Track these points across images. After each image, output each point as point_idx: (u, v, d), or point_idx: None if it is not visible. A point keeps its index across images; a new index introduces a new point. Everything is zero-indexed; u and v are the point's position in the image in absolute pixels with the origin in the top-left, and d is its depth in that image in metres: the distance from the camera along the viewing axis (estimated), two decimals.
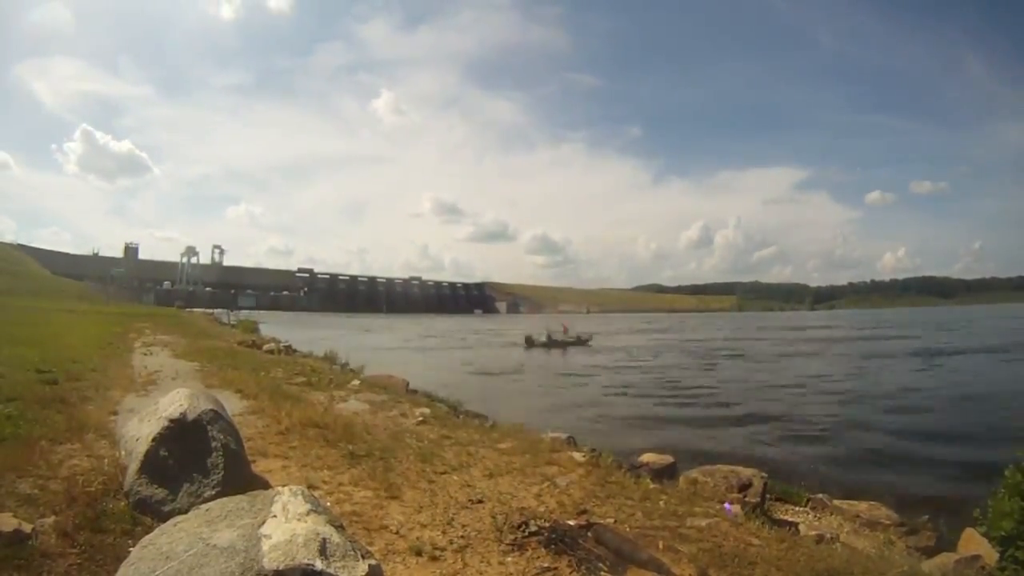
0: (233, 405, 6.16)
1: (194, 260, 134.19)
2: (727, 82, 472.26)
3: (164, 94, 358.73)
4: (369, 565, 2.03)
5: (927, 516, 6.46)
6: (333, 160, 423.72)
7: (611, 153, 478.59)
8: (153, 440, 3.43)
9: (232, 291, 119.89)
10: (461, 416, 9.15)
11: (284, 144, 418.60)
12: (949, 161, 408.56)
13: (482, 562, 3.12)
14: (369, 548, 2.56)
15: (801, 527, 5.53)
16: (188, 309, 59.34)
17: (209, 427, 3.57)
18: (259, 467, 4.37)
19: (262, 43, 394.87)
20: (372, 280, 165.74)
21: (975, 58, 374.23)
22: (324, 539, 2.04)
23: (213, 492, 3.24)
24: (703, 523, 4.20)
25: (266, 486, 3.23)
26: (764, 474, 6.22)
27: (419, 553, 3.18)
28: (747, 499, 5.55)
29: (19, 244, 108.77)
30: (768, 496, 6.09)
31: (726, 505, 5.27)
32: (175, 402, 3.68)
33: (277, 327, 34.90)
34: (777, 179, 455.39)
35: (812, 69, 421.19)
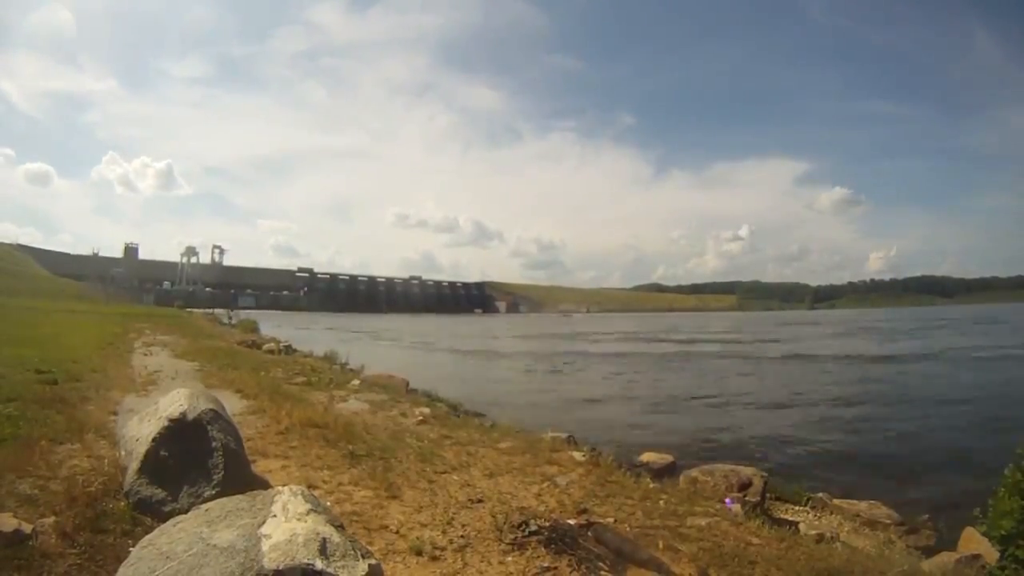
0: (233, 405, 6.17)
1: (194, 260, 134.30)
2: (717, 64, 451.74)
3: (128, 88, 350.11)
4: (369, 565, 2.03)
5: (927, 515, 6.46)
6: (311, 155, 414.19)
7: (605, 143, 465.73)
8: (153, 440, 3.43)
9: (232, 291, 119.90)
10: (461, 415, 9.15)
11: (258, 138, 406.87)
12: (954, 152, 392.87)
13: (482, 561, 3.12)
14: (369, 548, 2.55)
15: (801, 526, 5.53)
16: (188, 309, 59.31)
17: (209, 427, 3.57)
18: (259, 467, 4.37)
19: (216, 29, 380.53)
20: (372, 280, 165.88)
21: (984, 35, 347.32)
22: (324, 539, 2.04)
23: (213, 492, 3.23)
24: (703, 522, 4.20)
25: (266, 486, 3.23)
26: (764, 473, 6.23)
27: (419, 553, 3.18)
28: (747, 498, 5.55)
29: (19, 244, 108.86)
30: (768, 495, 6.09)
31: (727, 500, 5.29)
32: (175, 402, 3.68)
33: (277, 327, 34.87)
34: (776, 173, 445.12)
35: (807, 50, 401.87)
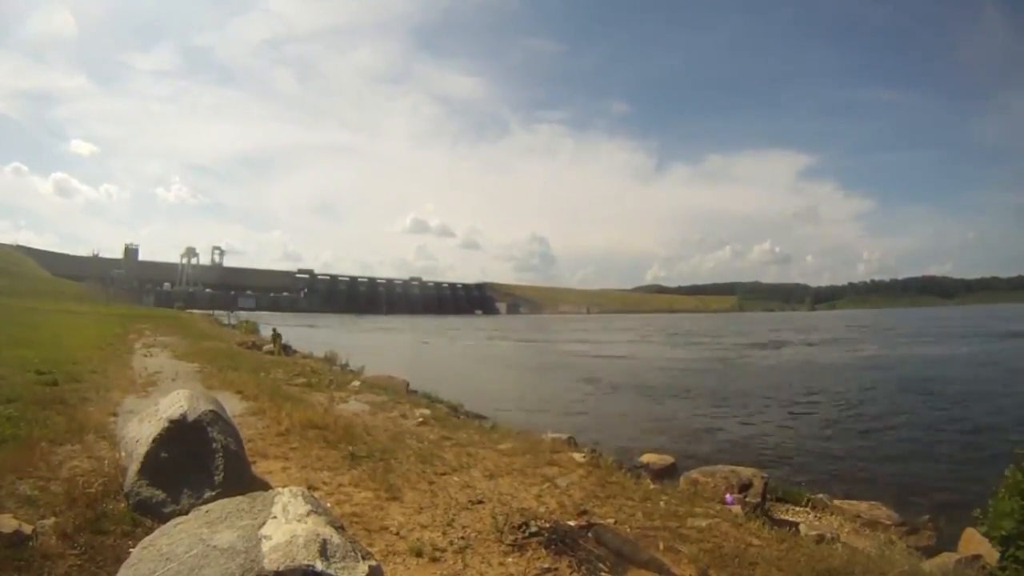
0: (233, 406, 6.17)
1: (194, 261, 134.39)
2: (709, 47, 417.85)
3: (97, 84, 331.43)
4: (369, 566, 2.03)
5: (927, 516, 6.46)
6: (294, 151, 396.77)
7: (598, 135, 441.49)
8: (153, 441, 3.43)
9: (232, 292, 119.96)
10: (461, 417, 9.15)
11: (237, 134, 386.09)
12: (957, 144, 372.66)
13: (483, 563, 3.12)
14: (369, 549, 2.56)
15: (802, 527, 5.52)
16: (188, 310, 59.38)
17: (209, 428, 3.57)
18: (259, 468, 4.37)
19: (173, 19, 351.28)
20: (372, 281, 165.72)
21: (995, 14, 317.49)
22: (324, 540, 2.04)
23: (213, 493, 3.23)
24: (704, 523, 4.20)
25: (266, 487, 3.23)
26: (764, 474, 6.22)
27: (419, 554, 3.18)
28: (748, 499, 5.55)
29: (19, 245, 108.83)
30: (768, 496, 6.09)
31: (727, 497, 5.30)
32: (175, 403, 3.68)
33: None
34: (778, 166, 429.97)
35: (805, 31, 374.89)
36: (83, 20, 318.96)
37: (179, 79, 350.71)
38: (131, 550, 2.24)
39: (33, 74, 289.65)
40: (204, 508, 2.33)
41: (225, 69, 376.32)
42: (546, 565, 3.04)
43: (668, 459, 7.84)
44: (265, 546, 1.97)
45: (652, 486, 5.33)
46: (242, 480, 3.51)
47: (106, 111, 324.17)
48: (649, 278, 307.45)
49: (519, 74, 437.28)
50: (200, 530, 2.12)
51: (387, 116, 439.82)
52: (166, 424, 3.50)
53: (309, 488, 3.32)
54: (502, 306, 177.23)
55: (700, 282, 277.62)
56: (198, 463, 3.45)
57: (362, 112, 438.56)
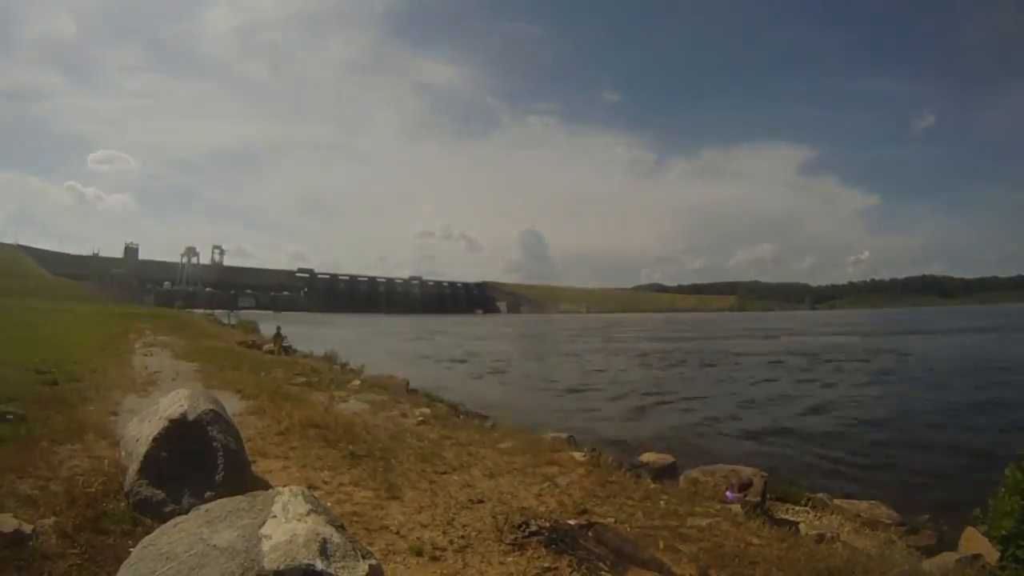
0: (233, 405, 6.17)
1: (194, 260, 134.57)
2: (702, 32, 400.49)
3: (71, 80, 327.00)
4: (369, 565, 2.03)
5: (928, 515, 6.45)
6: (278, 147, 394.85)
7: (591, 129, 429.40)
8: (153, 441, 3.43)
9: (232, 291, 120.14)
10: (461, 416, 9.15)
11: (217, 130, 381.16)
12: (958, 138, 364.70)
13: (483, 562, 3.11)
14: (369, 548, 2.55)
15: (802, 526, 5.52)
16: (188, 309, 59.42)
17: (209, 427, 3.57)
18: (259, 467, 4.37)
19: (143, 11, 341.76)
20: (372, 280, 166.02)
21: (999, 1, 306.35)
22: (324, 539, 2.04)
23: (213, 492, 3.23)
24: (704, 523, 4.20)
25: (266, 486, 3.23)
26: (764, 473, 6.22)
27: (420, 553, 3.18)
28: (748, 498, 5.55)
29: (19, 244, 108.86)
30: (768, 495, 6.09)
31: (728, 493, 5.30)
32: (175, 402, 3.68)
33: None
34: (777, 161, 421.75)
35: (805, 15, 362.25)
36: (68, 17, 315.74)
37: (153, 73, 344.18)
38: (131, 549, 2.23)
39: (11, 72, 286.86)
40: (204, 507, 2.33)
41: (197, 62, 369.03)
42: (546, 564, 3.04)
43: (668, 458, 7.83)
44: (265, 545, 1.97)
45: (652, 485, 5.32)
46: (242, 479, 3.52)
47: (85, 108, 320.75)
48: (647, 277, 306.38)
49: (502, 62, 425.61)
50: (200, 529, 2.11)
51: (372, 110, 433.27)
52: (166, 423, 3.50)
53: (309, 487, 3.31)
54: (503, 305, 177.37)
55: (699, 281, 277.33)
56: (198, 462, 3.45)
57: (347, 106, 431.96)
